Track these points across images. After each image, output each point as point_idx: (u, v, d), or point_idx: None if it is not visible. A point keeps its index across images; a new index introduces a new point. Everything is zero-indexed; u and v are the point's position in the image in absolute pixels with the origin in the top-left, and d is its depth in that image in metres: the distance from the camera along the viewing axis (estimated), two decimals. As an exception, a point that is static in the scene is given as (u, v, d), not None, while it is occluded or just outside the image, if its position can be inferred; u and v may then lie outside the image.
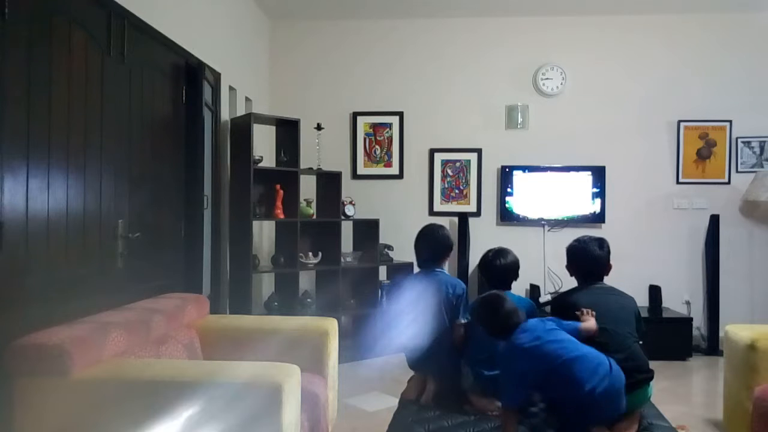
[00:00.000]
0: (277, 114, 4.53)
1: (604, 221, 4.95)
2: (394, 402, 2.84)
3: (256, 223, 4.27)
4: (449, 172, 5.21)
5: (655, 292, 4.73)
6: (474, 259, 4.93)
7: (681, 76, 5.05)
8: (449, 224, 5.10)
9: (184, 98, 3.46)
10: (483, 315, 2.28)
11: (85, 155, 2.44)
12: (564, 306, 2.45)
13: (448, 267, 4.98)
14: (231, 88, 4.32)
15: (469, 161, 5.18)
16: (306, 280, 4.77)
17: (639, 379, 2.26)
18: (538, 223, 5.02)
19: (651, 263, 4.97)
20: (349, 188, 4.95)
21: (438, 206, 5.21)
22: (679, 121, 5.05)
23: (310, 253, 4.42)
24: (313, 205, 4.58)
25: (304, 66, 5.27)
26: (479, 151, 5.17)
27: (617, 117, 5.09)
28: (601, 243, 2.55)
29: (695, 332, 4.75)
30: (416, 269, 3.04)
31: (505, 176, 5.03)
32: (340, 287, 4.51)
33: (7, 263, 1.97)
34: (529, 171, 5.01)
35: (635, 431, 2.25)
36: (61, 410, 1.82)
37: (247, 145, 3.98)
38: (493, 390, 2.37)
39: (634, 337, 2.39)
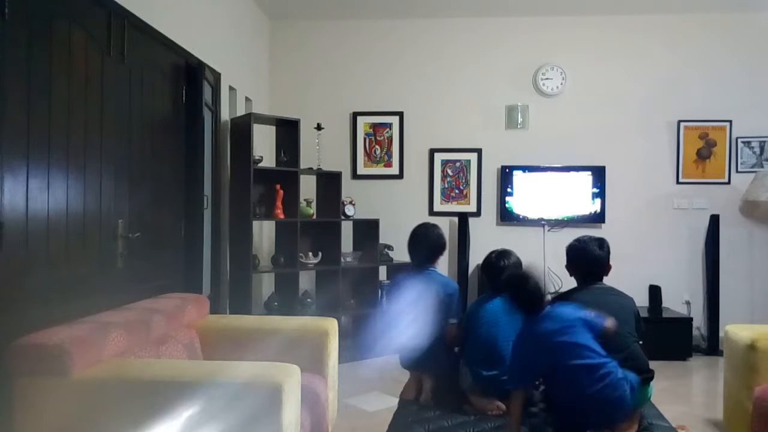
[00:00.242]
0: (277, 114, 4.54)
1: (604, 221, 4.95)
2: (394, 402, 2.84)
3: (256, 223, 4.27)
4: (449, 172, 5.22)
5: (655, 292, 4.73)
6: (474, 259, 4.94)
7: (681, 76, 5.05)
8: (449, 224, 5.11)
9: (184, 98, 3.46)
10: (512, 285, 2.25)
11: (85, 155, 2.44)
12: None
13: (448, 267, 5.03)
14: (231, 88, 4.32)
15: (469, 161, 5.19)
16: (306, 280, 4.77)
17: (639, 379, 2.26)
18: (538, 223, 5.02)
19: (651, 263, 4.97)
20: (349, 188, 4.96)
21: (438, 206, 5.21)
22: (679, 121, 5.05)
23: (310, 253, 4.42)
24: (313, 205, 4.59)
25: (304, 66, 5.27)
26: (479, 151, 5.17)
27: (617, 117, 5.09)
28: (601, 243, 2.56)
29: (695, 332, 4.76)
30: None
31: (505, 176, 5.03)
32: (340, 287, 4.51)
33: (7, 263, 1.97)
34: (529, 171, 5.01)
35: (635, 431, 2.25)
36: (61, 410, 1.82)
37: (247, 145, 3.98)
38: (492, 390, 2.37)
39: (634, 337, 2.39)
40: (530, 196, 5.01)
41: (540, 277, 2.21)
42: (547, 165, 5.01)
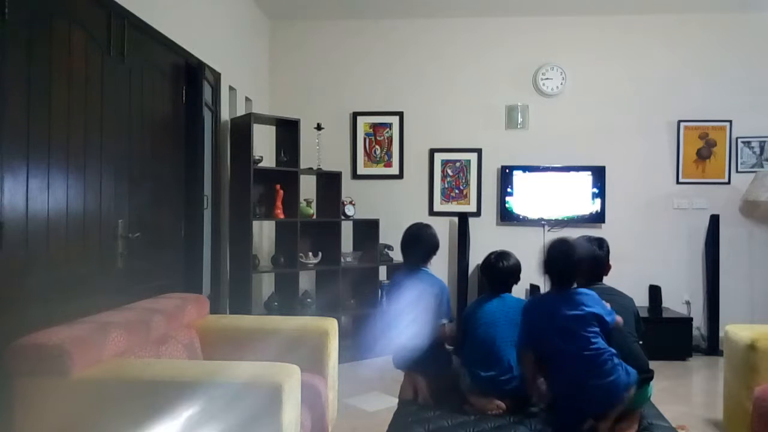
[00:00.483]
0: (277, 114, 4.54)
1: (604, 221, 4.95)
2: (394, 402, 2.84)
3: (256, 223, 4.27)
4: (449, 172, 5.21)
5: (655, 292, 4.72)
6: (474, 260, 4.93)
7: (681, 76, 5.05)
8: (449, 224, 5.11)
9: (184, 98, 3.47)
10: (550, 256, 2.30)
11: (85, 155, 2.45)
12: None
13: (448, 267, 5.03)
14: (231, 88, 4.32)
15: (469, 161, 5.19)
16: (306, 280, 4.77)
17: (639, 378, 2.26)
18: (538, 223, 5.01)
19: (651, 263, 4.97)
20: (349, 188, 4.95)
21: (438, 206, 5.21)
22: (679, 121, 5.05)
23: (310, 253, 4.42)
24: (313, 205, 4.59)
25: (304, 66, 5.27)
26: (479, 151, 5.17)
27: (617, 117, 5.09)
28: (601, 243, 2.56)
29: (695, 332, 4.75)
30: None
31: (505, 176, 5.03)
32: (340, 287, 4.51)
33: (7, 263, 1.97)
34: (529, 171, 5.01)
35: (635, 431, 2.25)
36: (61, 410, 1.82)
37: (247, 145, 3.98)
38: (491, 390, 2.38)
39: (634, 337, 2.39)
40: (530, 196, 5.01)
41: (586, 255, 2.28)
42: (547, 165, 5.01)
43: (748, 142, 5.01)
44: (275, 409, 1.78)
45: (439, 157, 5.21)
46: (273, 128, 4.57)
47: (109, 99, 2.62)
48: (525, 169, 5.01)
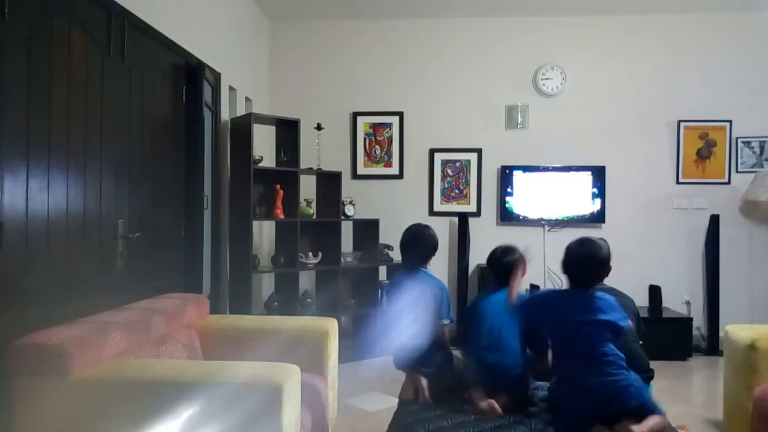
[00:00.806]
0: (277, 114, 4.53)
1: (604, 221, 4.95)
2: (394, 402, 2.84)
3: (256, 223, 4.27)
4: (449, 172, 5.21)
5: (655, 292, 4.73)
6: (474, 260, 4.94)
7: (681, 76, 5.05)
8: (449, 224, 5.11)
9: (184, 98, 3.46)
10: (574, 255, 2.23)
11: (85, 155, 2.44)
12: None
13: (448, 267, 5.03)
14: (231, 88, 4.32)
15: (469, 161, 5.19)
16: (306, 280, 4.77)
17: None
18: (538, 223, 5.01)
19: (651, 263, 4.97)
20: (349, 188, 4.96)
21: (438, 206, 5.21)
22: (679, 121, 5.05)
23: (310, 253, 4.42)
24: (313, 205, 4.59)
25: (304, 66, 5.27)
26: (479, 151, 5.17)
27: (617, 117, 5.09)
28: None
29: (695, 332, 4.76)
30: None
31: (505, 176, 5.03)
32: (340, 287, 4.51)
33: (7, 263, 1.97)
34: (529, 171, 5.01)
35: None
36: (61, 410, 1.82)
37: (247, 145, 3.98)
38: (496, 377, 2.38)
39: (634, 337, 2.39)
40: (530, 196, 5.01)
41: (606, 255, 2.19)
42: (547, 165, 5.01)
43: (748, 142, 5.01)
44: (275, 409, 1.78)
45: (439, 157, 5.21)
46: (273, 128, 4.57)
47: (109, 99, 2.62)
48: (525, 169, 5.01)
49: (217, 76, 3.96)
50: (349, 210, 4.71)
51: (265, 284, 4.72)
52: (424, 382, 2.57)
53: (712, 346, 4.63)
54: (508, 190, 5.02)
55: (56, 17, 2.26)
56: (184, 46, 3.39)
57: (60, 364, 1.79)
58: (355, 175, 5.24)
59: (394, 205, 5.14)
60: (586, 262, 2.15)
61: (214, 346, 2.63)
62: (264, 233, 4.78)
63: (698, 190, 5.04)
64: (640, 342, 2.43)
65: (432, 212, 5.20)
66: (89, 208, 2.47)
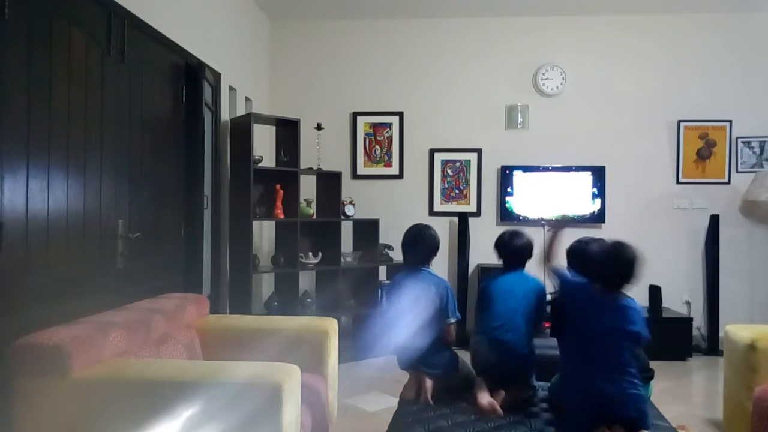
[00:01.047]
0: (277, 114, 4.53)
1: (604, 221, 4.94)
2: (394, 402, 2.84)
3: (256, 223, 4.27)
4: (449, 172, 5.21)
5: (655, 292, 4.72)
6: (474, 260, 4.94)
7: (681, 76, 5.05)
8: (449, 224, 5.11)
9: (184, 98, 3.46)
10: (610, 257, 2.26)
11: (85, 155, 2.44)
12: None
13: (448, 267, 5.02)
14: (231, 88, 4.32)
15: (469, 161, 5.19)
16: (306, 280, 4.77)
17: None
18: (538, 223, 5.01)
19: (651, 263, 4.87)
20: (349, 188, 4.95)
21: (438, 206, 5.21)
22: (679, 121, 5.05)
23: (310, 253, 4.42)
24: (313, 205, 4.59)
25: (304, 66, 5.27)
26: (479, 151, 5.17)
27: (617, 117, 5.09)
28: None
29: (695, 332, 4.76)
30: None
31: (505, 176, 5.03)
32: (340, 287, 4.51)
33: (7, 263, 1.97)
34: (529, 171, 5.01)
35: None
36: (61, 410, 1.82)
37: (247, 145, 3.98)
38: (507, 355, 2.41)
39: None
40: (530, 196, 5.00)
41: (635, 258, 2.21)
42: (547, 165, 5.00)
43: (748, 142, 5.01)
44: (275, 409, 1.78)
45: (439, 157, 5.21)
46: (273, 128, 4.57)
47: (109, 99, 2.62)
48: (525, 169, 5.01)
49: (217, 76, 3.96)
50: (349, 210, 4.71)
51: (265, 284, 4.72)
52: (428, 382, 2.57)
53: (712, 346, 4.63)
54: (508, 190, 5.02)
55: (56, 17, 2.26)
56: (184, 46, 3.39)
57: (60, 364, 1.79)
58: (355, 175, 5.24)
59: (394, 205, 5.14)
60: (622, 267, 2.20)
61: (214, 346, 2.63)
62: (264, 233, 4.78)
63: (698, 190, 5.04)
64: (640, 342, 2.43)
65: (432, 212, 5.20)
66: (89, 208, 2.47)
